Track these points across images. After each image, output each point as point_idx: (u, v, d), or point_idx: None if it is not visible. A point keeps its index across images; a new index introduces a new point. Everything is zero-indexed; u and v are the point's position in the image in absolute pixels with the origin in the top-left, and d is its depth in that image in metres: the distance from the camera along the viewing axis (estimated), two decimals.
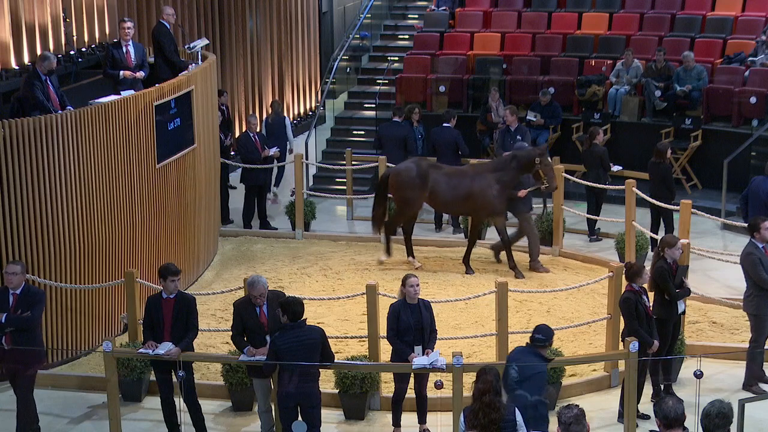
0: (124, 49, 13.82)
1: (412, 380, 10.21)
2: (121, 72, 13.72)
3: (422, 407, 10.22)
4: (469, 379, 10.85)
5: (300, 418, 9.19)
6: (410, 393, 10.29)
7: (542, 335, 8.91)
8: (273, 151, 17.00)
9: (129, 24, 13.99)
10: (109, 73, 13.80)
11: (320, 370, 9.43)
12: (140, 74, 13.92)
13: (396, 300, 10.18)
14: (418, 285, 9.99)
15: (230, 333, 10.07)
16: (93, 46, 15.49)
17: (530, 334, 8.96)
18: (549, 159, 14.35)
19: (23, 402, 10.03)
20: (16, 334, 9.89)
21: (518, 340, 11.82)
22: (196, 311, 10.13)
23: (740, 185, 14.88)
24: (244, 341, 9.86)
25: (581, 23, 20.57)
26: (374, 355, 10.88)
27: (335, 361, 9.76)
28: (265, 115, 20.29)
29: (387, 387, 10.90)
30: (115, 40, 14.04)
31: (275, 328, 9.53)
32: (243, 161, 16.65)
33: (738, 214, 14.91)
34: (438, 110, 19.24)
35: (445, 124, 16.75)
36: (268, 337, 9.69)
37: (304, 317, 9.29)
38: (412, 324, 9.89)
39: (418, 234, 16.29)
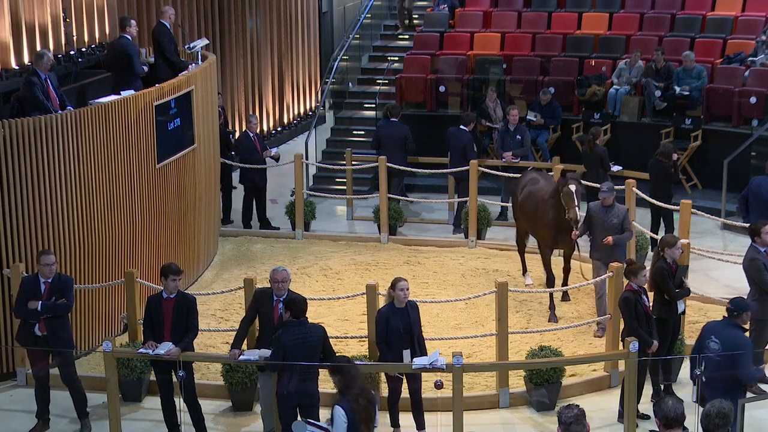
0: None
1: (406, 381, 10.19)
2: (145, 67, 13.94)
3: (418, 409, 10.17)
4: (469, 379, 10.91)
5: (300, 418, 9.19)
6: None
7: (732, 305, 9.28)
8: (273, 152, 16.98)
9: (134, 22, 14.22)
10: (143, 70, 13.88)
11: (319, 369, 9.44)
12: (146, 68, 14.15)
13: (383, 305, 10.14)
14: (407, 289, 9.98)
15: (231, 333, 10.10)
16: (93, 46, 15.45)
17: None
18: (571, 187, 12.52)
19: (70, 382, 10.46)
20: (49, 321, 10.26)
21: (518, 339, 11.86)
22: (197, 311, 10.17)
23: (740, 185, 14.87)
24: (245, 332, 10.01)
25: (581, 23, 20.55)
26: (374, 355, 10.87)
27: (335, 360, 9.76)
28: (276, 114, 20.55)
29: (387, 387, 10.88)
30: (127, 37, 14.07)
31: (280, 326, 9.58)
32: (241, 161, 16.64)
33: (738, 215, 14.90)
34: (437, 110, 19.26)
35: (461, 127, 16.65)
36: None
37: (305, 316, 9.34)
38: (401, 328, 9.90)
39: (418, 234, 16.32)
